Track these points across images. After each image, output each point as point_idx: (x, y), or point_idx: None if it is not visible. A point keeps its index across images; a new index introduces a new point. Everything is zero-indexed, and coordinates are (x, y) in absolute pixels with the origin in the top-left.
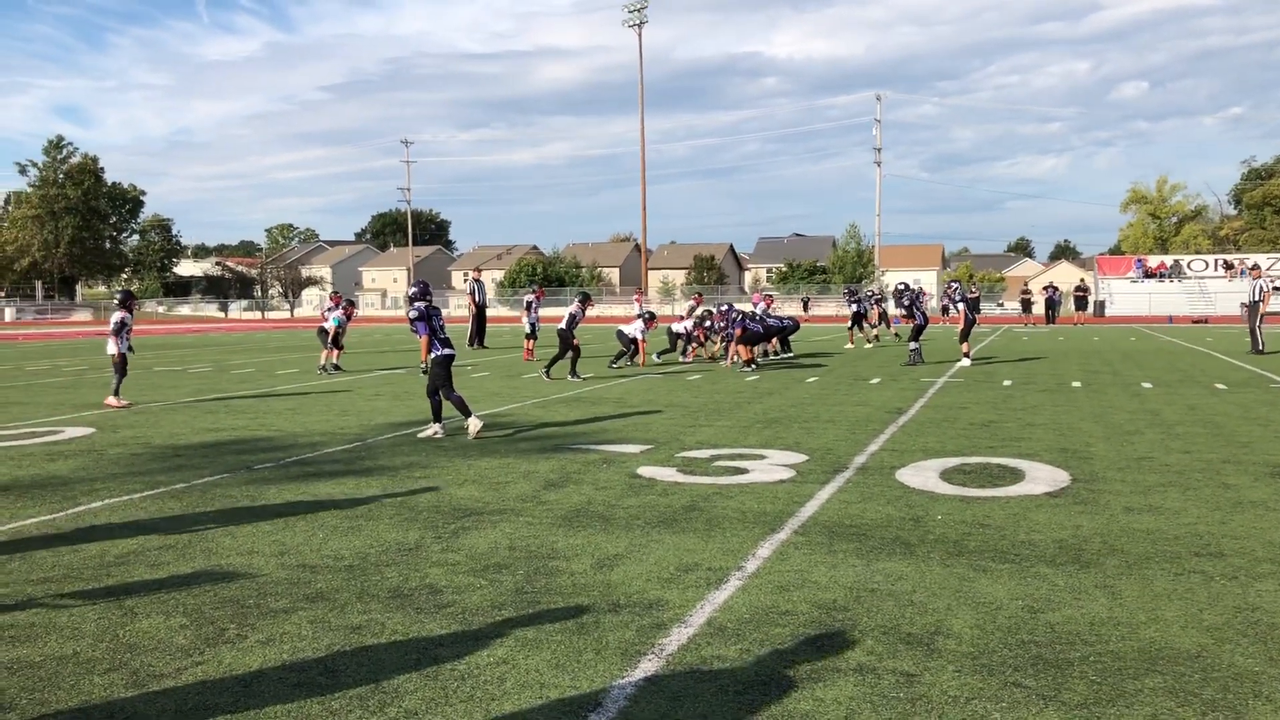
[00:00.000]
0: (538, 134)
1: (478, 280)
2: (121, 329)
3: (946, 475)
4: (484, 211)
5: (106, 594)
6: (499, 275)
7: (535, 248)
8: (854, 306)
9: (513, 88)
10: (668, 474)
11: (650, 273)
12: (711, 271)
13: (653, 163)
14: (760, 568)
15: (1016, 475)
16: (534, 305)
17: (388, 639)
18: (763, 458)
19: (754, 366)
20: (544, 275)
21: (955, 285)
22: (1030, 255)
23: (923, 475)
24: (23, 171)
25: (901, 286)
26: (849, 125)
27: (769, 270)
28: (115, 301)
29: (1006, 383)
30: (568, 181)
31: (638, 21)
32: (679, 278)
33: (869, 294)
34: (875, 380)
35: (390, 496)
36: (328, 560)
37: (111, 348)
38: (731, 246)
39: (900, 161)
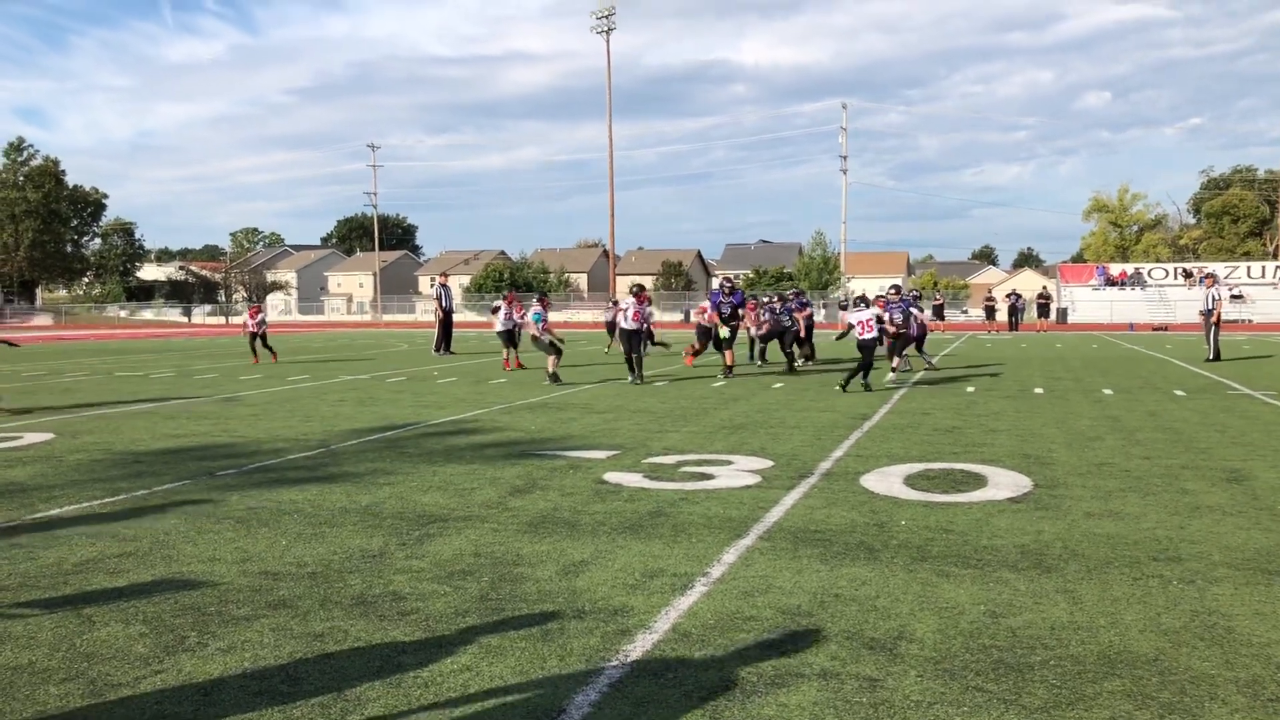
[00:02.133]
0: (507, 139)
1: (444, 286)
2: None
3: (910, 481)
4: (452, 216)
5: (64, 602)
6: (466, 280)
7: (503, 253)
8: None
9: (482, 92)
10: (634, 480)
11: (618, 278)
12: (679, 278)
13: (621, 168)
14: (725, 573)
15: (979, 481)
16: (507, 312)
17: (351, 646)
18: (729, 464)
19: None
20: (511, 280)
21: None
22: (994, 263)
23: (887, 481)
24: None
25: (913, 294)
26: (816, 133)
27: (736, 276)
28: None
29: (970, 389)
30: (536, 186)
31: (606, 28)
32: (647, 283)
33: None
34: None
35: (354, 503)
36: (290, 567)
37: None
38: (699, 253)
39: (867, 169)
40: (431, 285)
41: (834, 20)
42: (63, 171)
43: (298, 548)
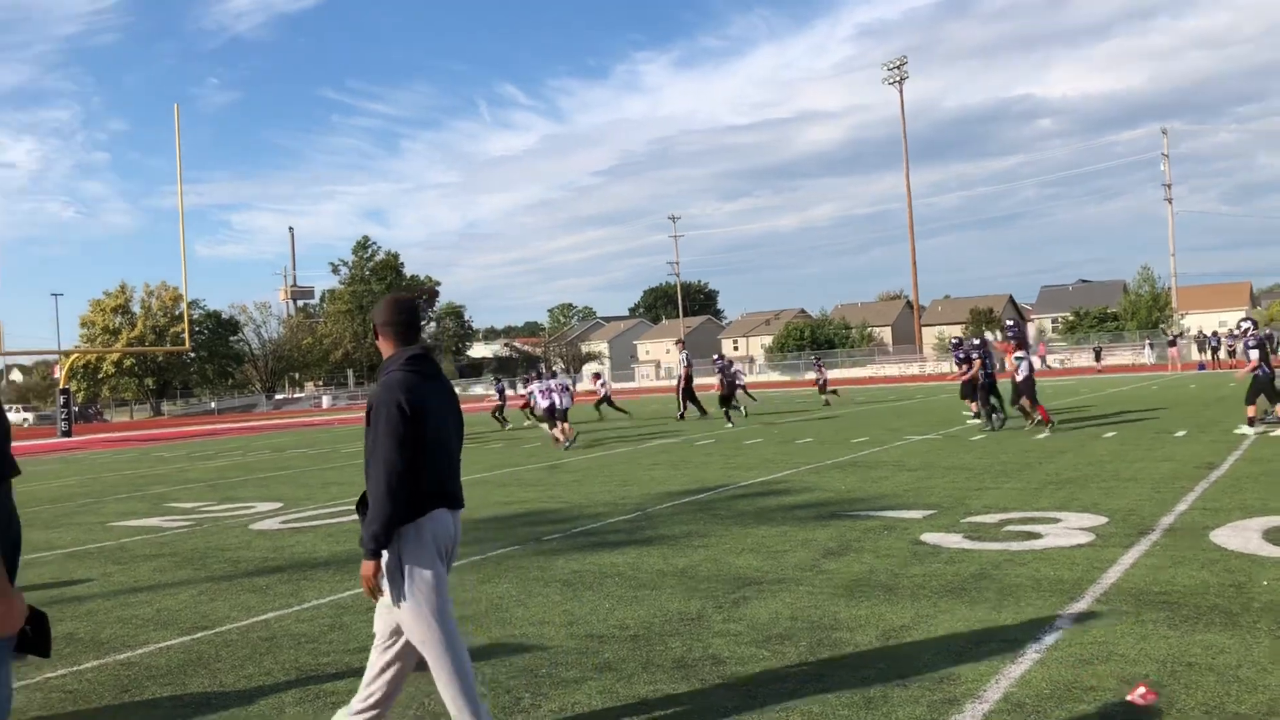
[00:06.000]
0: (802, 198)
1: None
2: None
3: (1271, 536)
4: (751, 278)
5: None
6: (767, 341)
7: (803, 311)
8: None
9: (775, 155)
10: (953, 540)
11: (924, 329)
12: (990, 325)
13: (921, 216)
14: (1060, 639)
15: None
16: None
17: (675, 711)
18: (1057, 521)
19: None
20: (812, 338)
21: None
22: None
23: (1243, 536)
24: (335, 271)
25: (964, 340)
26: (1134, 162)
27: (1054, 320)
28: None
29: None
30: (833, 242)
31: (899, 78)
32: (956, 333)
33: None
34: (1181, 433)
35: (671, 566)
36: (614, 630)
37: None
38: (1011, 297)
39: (1195, 196)
40: (735, 348)
41: (1149, 42)
42: (402, 264)
43: (620, 611)
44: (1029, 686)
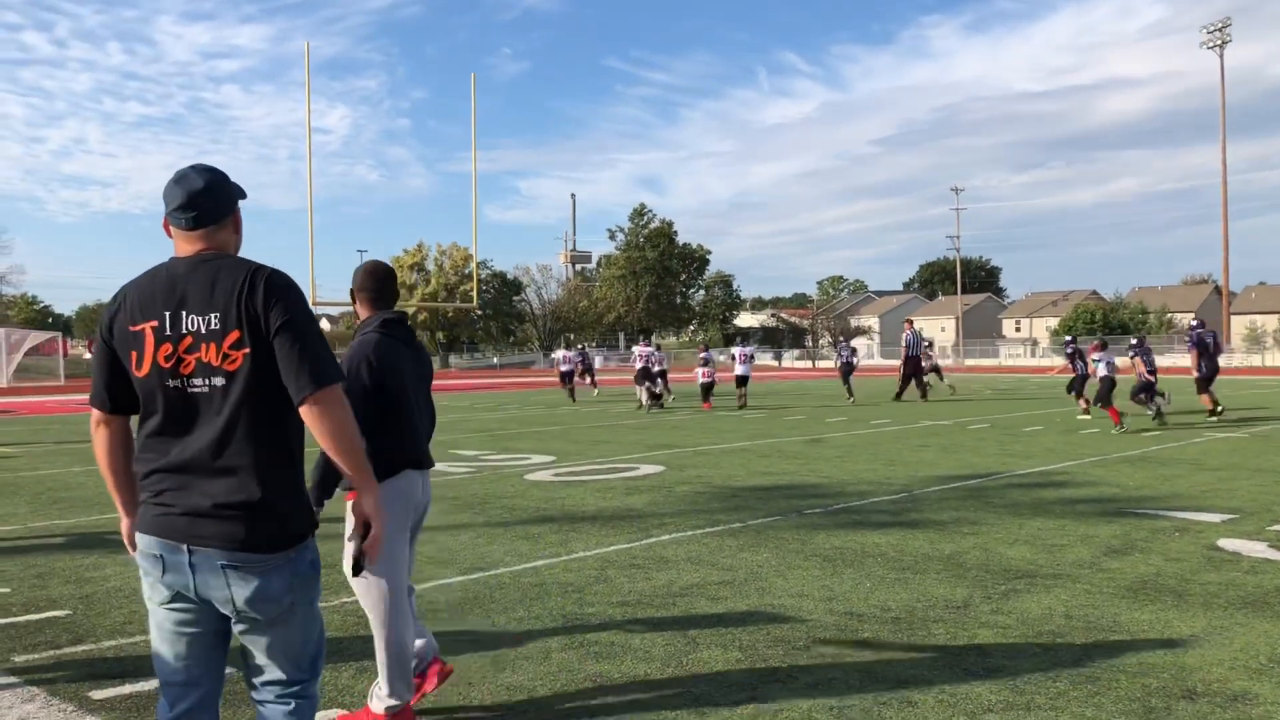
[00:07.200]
0: (1101, 171)
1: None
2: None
3: None
4: (1039, 256)
5: (673, 623)
6: (1053, 323)
7: (1095, 293)
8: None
9: (1073, 124)
10: (1256, 549)
11: (1233, 318)
12: None
13: (1238, 194)
14: None
15: None
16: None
17: (936, 698)
18: None
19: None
20: (1104, 322)
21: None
22: None
23: None
24: (612, 237)
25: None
26: None
27: None
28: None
29: None
30: (1134, 220)
31: (1219, 42)
32: (1270, 323)
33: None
34: None
35: (937, 551)
36: (874, 610)
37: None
38: None
39: None
40: (1017, 329)
41: None
42: (675, 232)
43: (881, 591)
44: None
